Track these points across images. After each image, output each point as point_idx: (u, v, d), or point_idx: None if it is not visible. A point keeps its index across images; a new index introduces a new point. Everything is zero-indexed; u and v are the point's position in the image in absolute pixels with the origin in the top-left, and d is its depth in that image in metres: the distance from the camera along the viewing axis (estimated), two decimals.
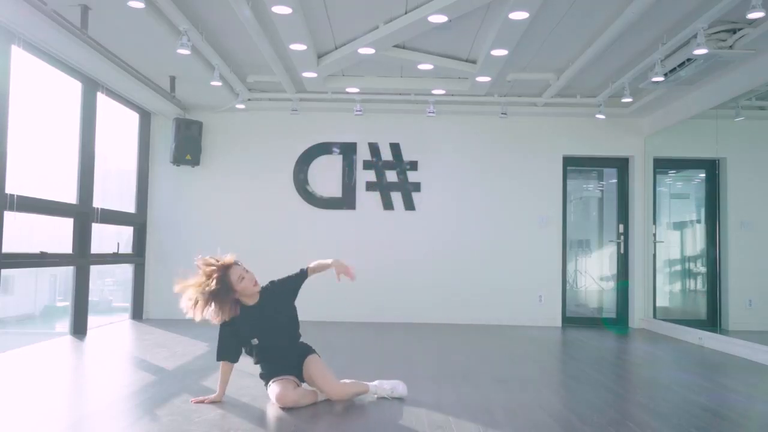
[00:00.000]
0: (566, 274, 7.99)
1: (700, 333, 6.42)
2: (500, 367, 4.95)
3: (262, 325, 3.61)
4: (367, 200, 7.90)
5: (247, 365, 4.66)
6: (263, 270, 8.97)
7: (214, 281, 3.42)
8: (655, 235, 7.80)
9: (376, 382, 3.79)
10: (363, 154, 7.94)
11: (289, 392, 3.50)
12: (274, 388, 3.54)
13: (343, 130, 7.91)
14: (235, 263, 3.57)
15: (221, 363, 3.60)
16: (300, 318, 3.82)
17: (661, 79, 5.73)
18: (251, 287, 3.57)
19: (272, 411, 3.48)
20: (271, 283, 3.79)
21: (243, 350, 3.67)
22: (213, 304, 3.43)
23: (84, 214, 6.26)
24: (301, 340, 3.81)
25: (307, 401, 3.56)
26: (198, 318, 3.44)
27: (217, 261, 3.52)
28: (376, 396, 3.74)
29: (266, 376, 3.66)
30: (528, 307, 7.77)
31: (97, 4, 4.81)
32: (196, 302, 3.43)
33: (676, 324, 7.05)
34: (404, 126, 7.95)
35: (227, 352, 3.60)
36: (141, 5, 4.65)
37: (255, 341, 3.58)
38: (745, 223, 6.97)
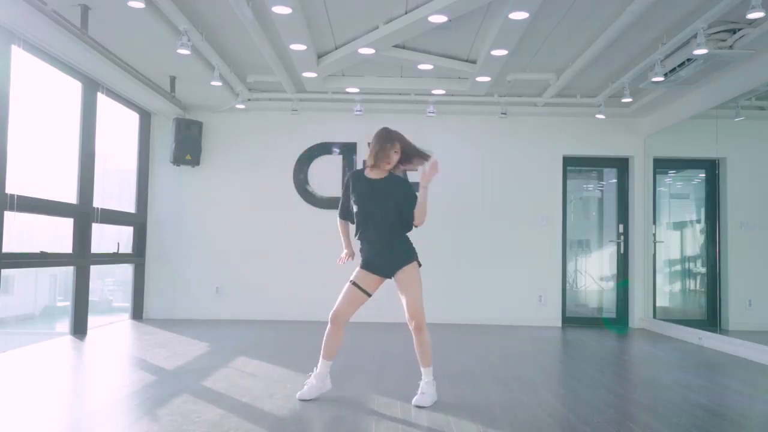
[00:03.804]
0: (566, 274, 7.99)
1: (700, 333, 6.41)
2: (500, 367, 4.95)
3: (370, 198, 3.89)
4: None
5: (243, 365, 4.68)
6: (263, 270, 8.85)
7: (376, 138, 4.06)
8: (654, 235, 7.80)
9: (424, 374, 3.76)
10: (363, 154, 7.93)
11: (342, 310, 3.76)
12: (341, 295, 3.79)
13: (343, 130, 7.91)
14: (399, 145, 4.07)
15: (339, 222, 4.03)
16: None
17: (661, 79, 5.74)
18: (384, 162, 3.98)
19: (272, 411, 3.48)
20: (404, 179, 4.18)
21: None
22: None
23: (84, 214, 6.26)
24: (407, 243, 3.93)
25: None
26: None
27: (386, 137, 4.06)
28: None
29: (361, 258, 3.86)
30: (528, 307, 7.76)
31: (97, 4, 4.81)
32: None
33: (676, 324, 7.05)
34: (404, 126, 7.84)
35: (345, 212, 3.99)
36: (141, 5, 4.65)
37: (355, 208, 3.87)
38: (745, 223, 6.97)
